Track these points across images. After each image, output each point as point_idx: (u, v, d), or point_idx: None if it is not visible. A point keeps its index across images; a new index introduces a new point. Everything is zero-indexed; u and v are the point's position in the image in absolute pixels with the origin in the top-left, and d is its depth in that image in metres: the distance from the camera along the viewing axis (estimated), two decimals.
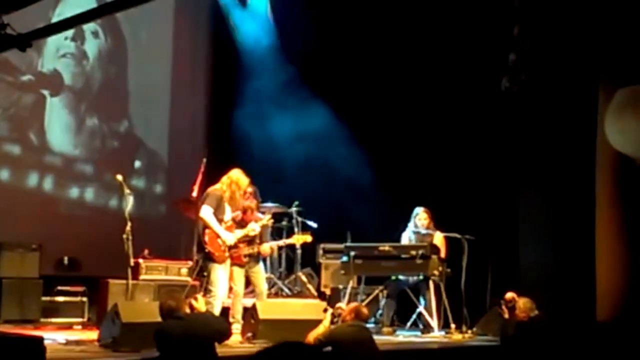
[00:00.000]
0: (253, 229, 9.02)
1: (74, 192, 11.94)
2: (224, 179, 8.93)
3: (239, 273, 9.00)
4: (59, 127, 11.87)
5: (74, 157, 11.97)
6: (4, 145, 11.31)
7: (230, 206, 8.89)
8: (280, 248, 11.42)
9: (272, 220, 9.82)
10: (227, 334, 7.00)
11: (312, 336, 7.18)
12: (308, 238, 9.88)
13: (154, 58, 13.04)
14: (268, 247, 9.56)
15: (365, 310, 7.34)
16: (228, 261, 8.76)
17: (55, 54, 11.89)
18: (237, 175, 8.91)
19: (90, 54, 12.27)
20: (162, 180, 12.99)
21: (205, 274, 9.20)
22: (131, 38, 12.71)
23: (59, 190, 11.77)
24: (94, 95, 12.33)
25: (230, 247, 8.74)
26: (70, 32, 11.78)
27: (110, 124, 12.47)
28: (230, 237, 8.73)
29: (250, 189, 9.66)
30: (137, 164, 12.69)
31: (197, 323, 6.62)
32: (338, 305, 7.90)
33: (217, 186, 8.91)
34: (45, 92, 11.77)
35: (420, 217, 10.37)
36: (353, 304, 7.62)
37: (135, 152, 12.71)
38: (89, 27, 12.08)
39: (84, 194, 12.03)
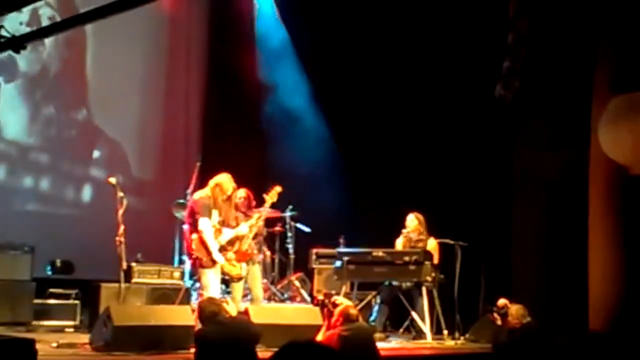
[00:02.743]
0: (240, 230, 8.97)
1: (68, 194, 11.93)
2: (210, 183, 8.88)
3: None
4: None
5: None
6: None
7: (215, 210, 8.82)
8: (273, 252, 11.41)
9: (260, 221, 9.60)
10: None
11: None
12: (277, 188, 9.44)
13: (150, 61, 13.02)
14: (246, 227, 9.06)
15: (353, 311, 7.22)
16: (218, 265, 8.72)
17: None
18: (221, 179, 8.82)
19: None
20: (155, 184, 12.96)
21: (195, 278, 9.17)
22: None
23: (54, 191, 11.76)
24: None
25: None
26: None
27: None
28: (221, 259, 8.66)
29: (243, 195, 9.63)
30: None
31: (237, 328, 6.70)
32: (334, 298, 7.74)
33: (203, 193, 8.83)
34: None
35: (408, 222, 10.38)
36: (340, 307, 7.33)
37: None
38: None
39: (79, 197, 12.02)
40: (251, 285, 9.21)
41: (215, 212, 8.76)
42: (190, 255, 8.70)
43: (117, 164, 12.48)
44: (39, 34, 7.79)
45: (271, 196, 9.48)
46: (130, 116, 12.83)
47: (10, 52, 7.12)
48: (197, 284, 10.07)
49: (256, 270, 9.37)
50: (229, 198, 8.94)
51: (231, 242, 8.83)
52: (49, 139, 12.02)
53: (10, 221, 10.87)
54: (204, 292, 8.52)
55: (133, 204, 12.31)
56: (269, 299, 10.96)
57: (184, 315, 7.96)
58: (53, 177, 11.96)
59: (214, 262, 8.63)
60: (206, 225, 8.57)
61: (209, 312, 6.72)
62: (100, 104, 12.49)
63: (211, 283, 8.57)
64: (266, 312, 8.98)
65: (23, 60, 11.73)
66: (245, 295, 9.45)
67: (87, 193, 12.19)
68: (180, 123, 13.33)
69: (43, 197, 11.86)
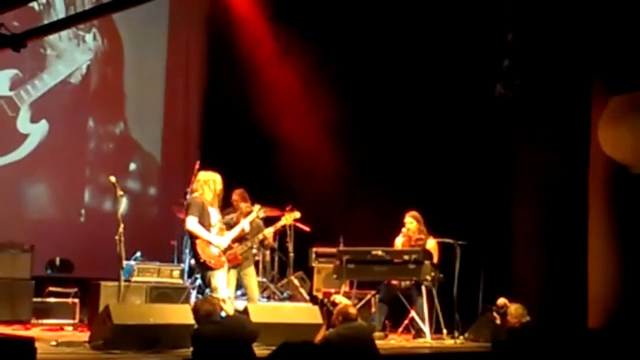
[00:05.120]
0: (243, 227, 8.97)
1: (67, 193, 11.92)
2: (197, 186, 8.80)
3: (232, 275, 8.97)
4: None
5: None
6: None
7: (216, 207, 8.79)
8: (273, 251, 11.40)
9: (262, 212, 9.56)
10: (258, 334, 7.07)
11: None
12: (297, 214, 9.65)
13: (149, 60, 13.02)
14: (271, 231, 9.36)
15: (352, 310, 7.20)
16: (226, 265, 8.69)
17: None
18: (207, 176, 8.77)
19: (86, 56, 12.20)
20: (155, 182, 12.97)
21: (198, 276, 9.15)
22: (128, 39, 12.66)
23: (51, 191, 11.76)
24: (90, 97, 12.29)
25: (225, 250, 8.67)
26: (65, 33, 11.68)
27: (106, 126, 12.46)
28: (222, 240, 8.65)
29: (238, 197, 9.62)
30: (132, 166, 12.65)
31: (234, 326, 6.78)
32: (333, 297, 7.72)
33: (196, 194, 8.80)
34: None
35: (407, 221, 10.38)
36: (339, 306, 7.32)
37: (130, 154, 12.68)
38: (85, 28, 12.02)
39: (77, 196, 12.01)
40: (247, 284, 9.19)
41: (215, 211, 8.74)
42: (198, 259, 8.64)
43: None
44: (37, 32, 7.78)
45: (287, 218, 9.58)
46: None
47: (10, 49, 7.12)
48: (197, 283, 10.09)
49: (251, 270, 9.36)
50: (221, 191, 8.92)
51: (235, 240, 8.86)
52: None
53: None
54: (216, 294, 8.38)
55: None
56: (269, 298, 10.96)
57: (183, 314, 7.95)
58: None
59: (222, 264, 8.59)
60: (193, 222, 8.52)
61: (204, 312, 6.74)
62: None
63: (221, 284, 8.48)
64: (266, 310, 8.98)
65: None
66: (243, 295, 9.45)
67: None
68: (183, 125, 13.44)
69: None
